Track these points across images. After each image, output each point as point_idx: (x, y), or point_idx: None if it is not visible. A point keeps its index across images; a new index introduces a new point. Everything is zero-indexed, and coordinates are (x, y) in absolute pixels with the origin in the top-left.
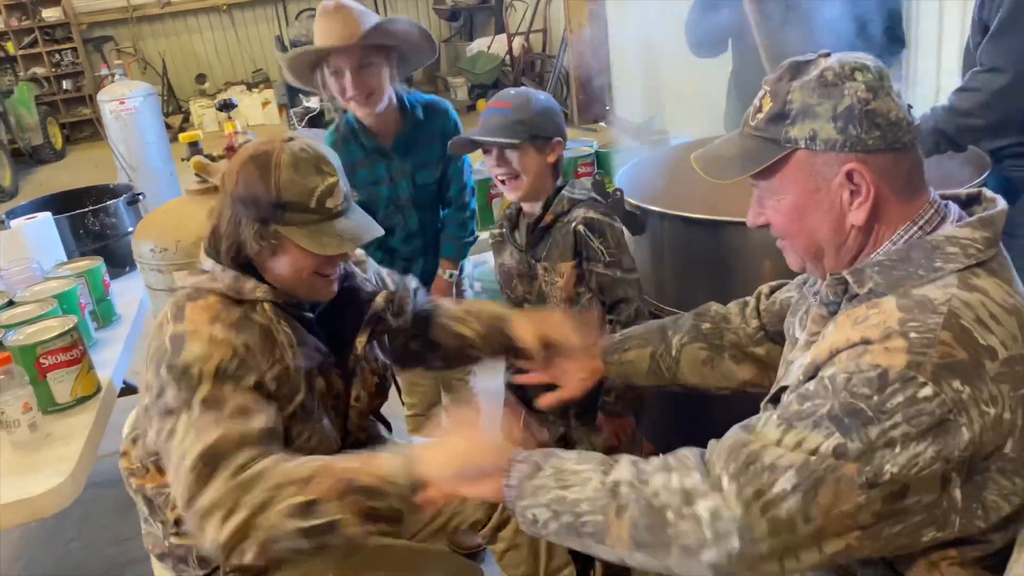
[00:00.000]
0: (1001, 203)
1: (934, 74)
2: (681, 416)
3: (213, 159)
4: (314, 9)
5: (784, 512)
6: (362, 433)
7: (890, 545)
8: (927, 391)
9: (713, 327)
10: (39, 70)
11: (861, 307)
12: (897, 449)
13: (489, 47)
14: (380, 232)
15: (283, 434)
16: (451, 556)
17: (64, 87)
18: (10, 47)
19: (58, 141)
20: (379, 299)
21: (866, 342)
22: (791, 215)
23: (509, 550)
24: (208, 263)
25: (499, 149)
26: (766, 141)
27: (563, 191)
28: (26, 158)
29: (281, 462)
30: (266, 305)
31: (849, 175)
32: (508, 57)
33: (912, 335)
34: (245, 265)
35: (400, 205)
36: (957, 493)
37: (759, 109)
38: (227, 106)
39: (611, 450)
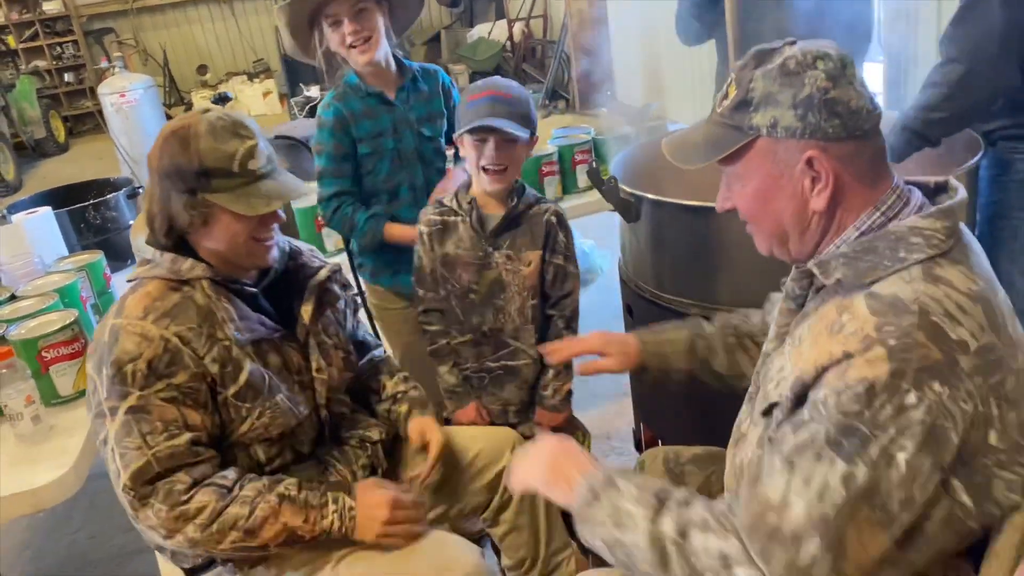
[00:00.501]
0: (962, 193)
1: None
2: (682, 403)
3: None
4: None
5: (817, 573)
6: (344, 407)
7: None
8: (912, 398)
9: (741, 319)
10: (40, 63)
11: (830, 307)
12: (901, 468)
13: (490, 33)
14: (306, 191)
15: (229, 417)
16: (452, 538)
17: (66, 80)
18: (11, 40)
19: (61, 134)
20: (323, 271)
21: (848, 356)
22: (755, 200)
23: (511, 532)
24: (149, 250)
25: (504, 140)
26: (730, 128)
27: (524, 186)
28: (29, 152)
29: (225, 498)
30: (204, 283)
31: (809, 162)
32: (509, 43)
33: (891, 341)
34: (182, 244)
35: (405, 158)
36: (964, 498)
37: (725, 96)
38: (222, 99)
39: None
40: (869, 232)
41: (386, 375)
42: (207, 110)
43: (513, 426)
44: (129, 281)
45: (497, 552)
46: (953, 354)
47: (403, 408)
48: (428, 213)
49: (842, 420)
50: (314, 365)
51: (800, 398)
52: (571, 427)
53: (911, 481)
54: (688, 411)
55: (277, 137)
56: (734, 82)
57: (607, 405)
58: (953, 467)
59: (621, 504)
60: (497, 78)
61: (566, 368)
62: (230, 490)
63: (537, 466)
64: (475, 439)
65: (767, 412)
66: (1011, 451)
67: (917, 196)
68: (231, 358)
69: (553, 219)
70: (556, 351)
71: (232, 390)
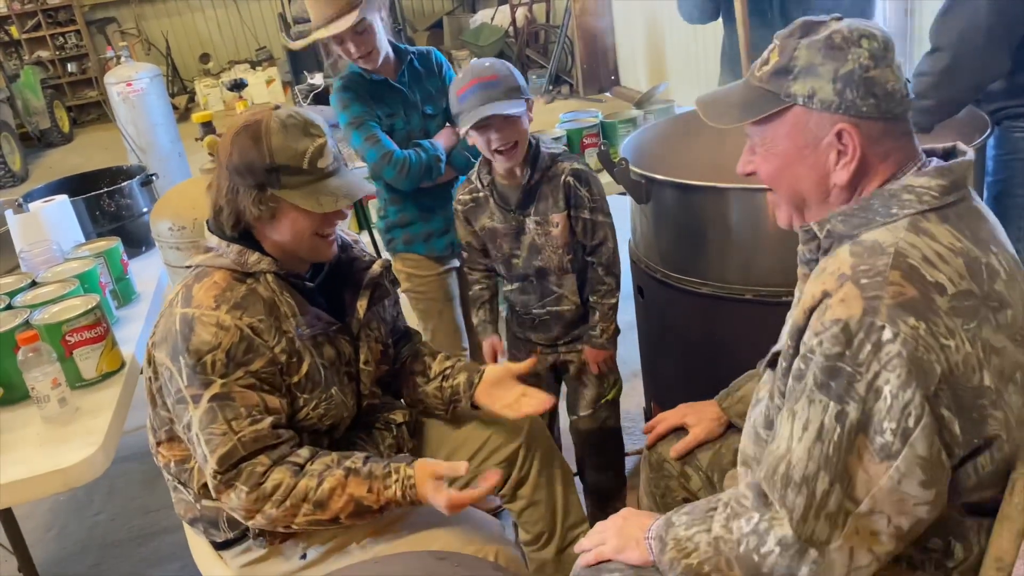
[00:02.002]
0: (967, 155)
1: None
2: (693, 382)
3: None
4: None
5: (833, 505)
6: (376, 399)
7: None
8: (887, 333)
9: None
10: (43, 53)
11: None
12: (887, 400)
13: (492, 19)
14: (371, 188)
15: (291, 407)
16: (475, 512)
17: (69, 70)
18: (14, 31)
19: (65, 124)
20: (376, 266)
21: (826, 295)
22: (778, 165)
23: (528, 507)
24: (213, 240)
25: (504, 120)
26: (767, 93)
27: (540, 148)
28: (34, 142)
29: (298, 475)
30: (269, 277)
31: (839, 135)
32: (511, 29)
33: (863, 280)
34: (247, 237)
35: (414, 137)
36: (955, 429)
37: (766, 61)
38: (238, 86)
39: (581, 374)
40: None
41: (429, 356)
42: (277, 107)
43: (559, 356)
44: (189, 267)
45: (514, 528)
46: (929, 293)
47: (461, 378)
48: (460, 192)
49: (826, 363)
50: (362, 358)
51: (798, 345)
52: (612, 370)
53: (900, 411)
54: (700, 390)
55: None
56: (777, 49)
57: None
58: (944, 399)
59: (680, 535)
60: (475, 62)
61: (611, 310)
62: (302, 467)
63: (606, 538)
64: (492, 416)
65: (772, 363)
66: (997, 392)
67: (934, 163)
68: (295, 349)
69: (571, 180)
70: (651, 430)
71: (295, 379)
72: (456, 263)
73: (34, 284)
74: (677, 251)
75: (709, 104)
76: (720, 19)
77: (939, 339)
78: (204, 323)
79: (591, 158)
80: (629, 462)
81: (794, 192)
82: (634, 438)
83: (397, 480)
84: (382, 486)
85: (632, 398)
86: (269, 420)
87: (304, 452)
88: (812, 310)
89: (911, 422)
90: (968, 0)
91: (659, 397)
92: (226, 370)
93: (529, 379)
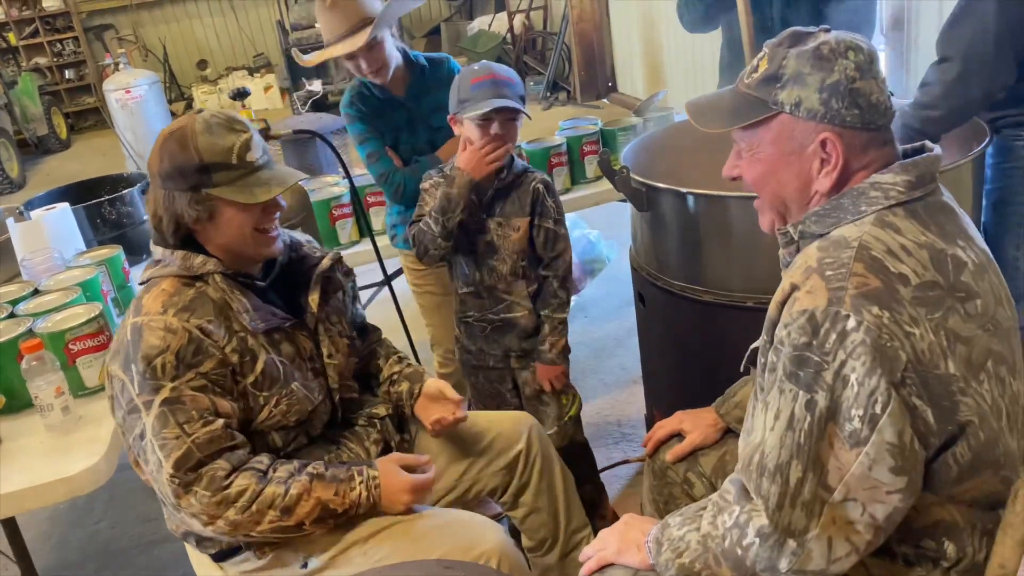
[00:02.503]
0: (934, 151)
1: None
2: (694, 389)
3: None
4: None
5: (808, 493)
6: (352, 392)
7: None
8: (851, 322)
9: None
10: (41, 60)
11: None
12: (854, 388)
13: (490, 25)
14: (302, 176)
15: (248, 405)
16: (476, 517)
17: (67, 76)
18: (11, 38)
19: (63, 131)
20: (325, 260)
21: (794, 288)
22: (763, 171)
23: (531, 514)
24: (158, 251)
25: (508, 119)
26: (755, 99)
27: (514, 156)
28: (32, 149)
29: (263, 481)
30: (217, 277)
31: (823, 143)
32: (509, 35)
33: (827, 272)
34: (190, 243)
35: (419, 151)
36: (929, 417)
37: (755, 69)
38: (240, 94)
39: (539, 393)
40: None
41: (382, 358)
42: (200, 111)
43: (514, 370)
44: (142, 283)
45: (515, 535)
46: (892, 283)
47: (403, 387)
48: (431, 175)
49: (794, 353)
50: (325, 352)
51: (772, 338)
52: (565, 387)
53: (867, 398)
54: (701, 397)
55: (296, 132)
56: (766, 57)
57: (616, 392)
58: (913, 387)
59: (673, 535)
60: (490, 63)
61: (561, 324)
62: (265, 473)
63: (608, 543)
64: (493, 421)
65: (753, 360)
66: (964, 380)
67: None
68: (248, 348)
69: (540, 187)
70: (648, 440)
71: (250, 379)
72: None
73: (36, 292)
74: (678, 258)
75: (699, 109)
76: (719, 28)
77: (903, 327)
78: (152, 328)
79: (591, 165)
80: (630, 469)
81: (777, 197)
82: (634, 445)
83: (362, 481)
84: (347, 488)
85: (633, 405)
86: (221, 422)
87: (264, 459)
88: (783, 303)
89: (878, 408)
90: (976, 10)
91: (660, 404)
92: (176, 372)
93: (490, 403)
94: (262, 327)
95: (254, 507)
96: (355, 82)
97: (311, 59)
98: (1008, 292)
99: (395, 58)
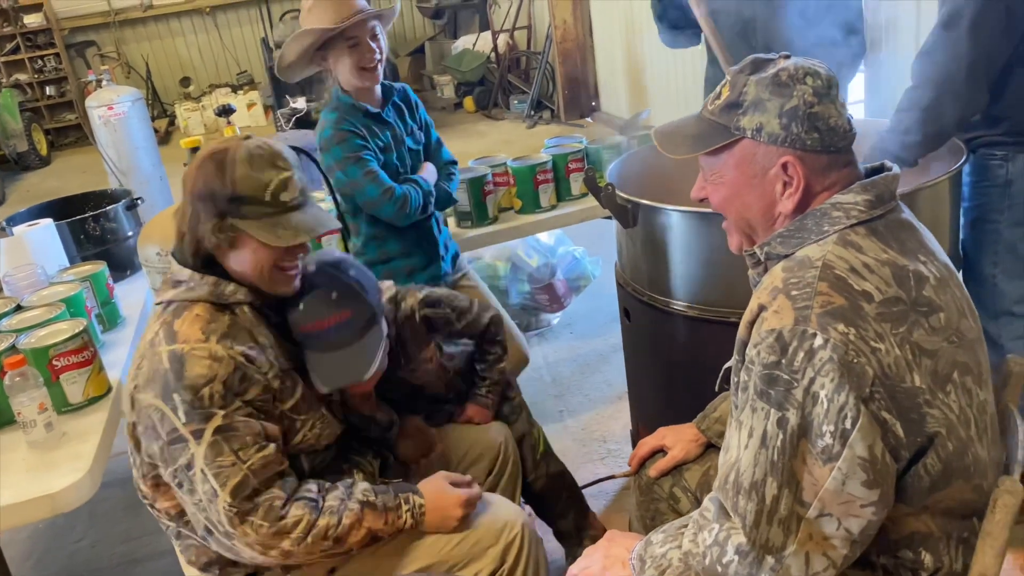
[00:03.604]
0: (892, 170)
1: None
2: (679, 404)
3: None
4: (297, 10)
5: (784, 510)
6: (378, 413)
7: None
8: (819, 340)
9: None
10: (22, 76)
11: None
12: (824, 404)
13: (474, 45)
14: (336, 225)
15: (284, 429)
16: (501, 499)
17: (48, 93)
18: None
19: (43, 147)
20: None
21: (762, 308)
22: (727, 194)
23: None
24: (184, 273)
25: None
26: (718, 126)
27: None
28: (12, 165)
29: (316, 511)
30: (246, 308)
31: (784, 167)
32: (493, 54)
33: (793, 292)
34: (211, 265)
35: (402, 174)
36: (898, 430)
37: (718, 96)
38: (225, 111)
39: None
40: None
41: None
42: (247, 136)
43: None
44: (160, 304)
45: None
46: (857, 300)
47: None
48: None
49: (764, 372)
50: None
51: (743, 358)
52: (532, 424)
53: (837, 414)
54: (686, 412)
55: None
56: (728, 84)
57: (601, 408)
58: (881, 401)
59: (656, 552)
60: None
61: (499, 380)
62: (317, 502)
63: (592, 559)
64: (468, 430)
65: (726, 379)
66: (931, 392)
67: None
68: (287, 373)
69: (426, 312)
70: (633, 458)
71: (289, 404)
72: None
73: (19, 308)
74: (663, 274)
75: (665, 136)
76: (703, 46)
77: (869, 343)
78: (196, 357)
79: (576, 182)
80: (616, 484)
81: (743, 219)
82: (619, 461)
83: (408, 509)
84: (395, 516)
85: (618, 420)
86: (272, 446)
87: (312, 486)
88: (751, 324)
89: (848, 423)
90: (949, 38)
91: (645, 419)
92: (224, 401)
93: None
94: (288, 367)
95: (309, 538)
96: (337, 101)
97: (305, 33)
98: (971, 303)
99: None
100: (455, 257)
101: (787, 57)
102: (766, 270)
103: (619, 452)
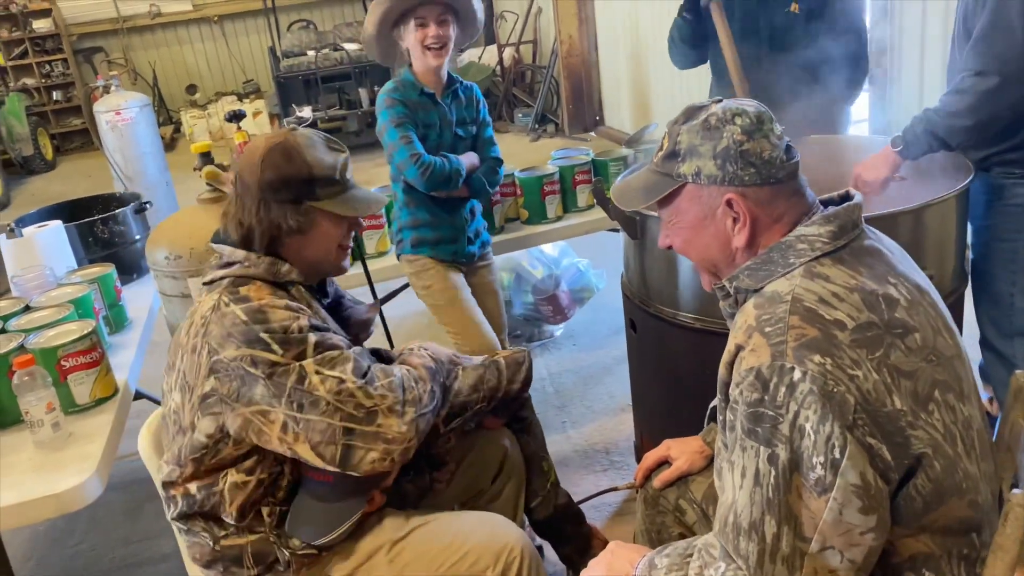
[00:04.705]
0: (855, 199)
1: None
2: (683, 416)
3: (224, 168)
4: (305, 20)
5: (786, 547)
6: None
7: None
8: (797, 374)
9: None
10: (29, 81)
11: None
12: (811, 437)
13: (480, 58)
14: (385, 199)
15: None
16: (497, 517)
17: (54, 98)
18: (0, 58)
19: (48, 151)
20: (373, 309)
21: (739, 348)
22: (686, 237)
23: None
24: (239, 254)
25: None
26: (663, 176)
27: None
28: (17, 169)
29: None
30: (301, 288)
31: (729, 203)
32: (499, 68)
33: (767, 328)
34: (271, 253)
35: (443, 150)
36: (885, 454)
37: (660, 148)
38: (236, 116)
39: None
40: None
41: None
42: (293, 128)
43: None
44: (209, 282)
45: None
46: (830, 330)
47: None
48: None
49: (748, 410)
50: None
51: (727, 397)
52: (544, 457)
53: (824, 444)
54: (690, 424)
55: None
56: (667, 135)
57: (605, 420)
58: (865, 427)
59: None
60: None
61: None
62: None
63: (599, 567)
64: (474, 433)
65: (712, 418)
66: (912, 413)
67: (821, 210)
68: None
69: None
70: (637, 471)
71: None
72: (462, 270)
73: (28, 309)
74: (669, 286)
75: (620, 191)
76: (708, 64)
77: (846, 371)
78: (274, 308)
79: (583, 194)
80: (618, 496)
81: (704, 259)
82: (622, 472)
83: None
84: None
85: (621, 432)
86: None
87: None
88: (731, 364)
89: (837, 453)
90: (1002, 25)
91: (649, 431)
92: (312, 332)
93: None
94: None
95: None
96: (401, 76)
97: (377, 8)
98: (948, 321)
99: (449, 57)
100: (483, 245)
101: (719, 101)
102: (736, 302)
103: (622, 464)
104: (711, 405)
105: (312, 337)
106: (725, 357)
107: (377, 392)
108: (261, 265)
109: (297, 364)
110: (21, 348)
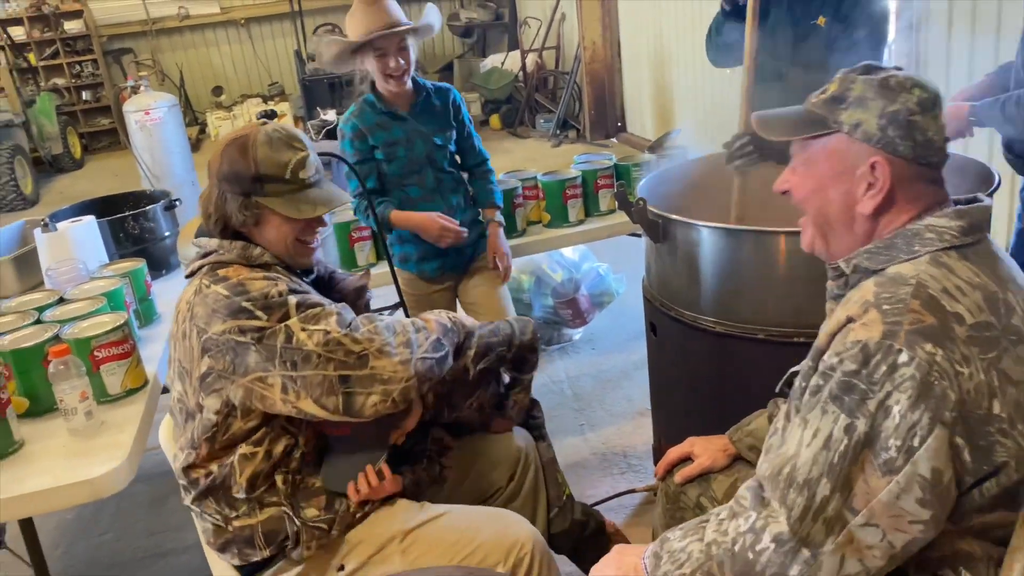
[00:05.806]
0: (985, 202)
1: None
2: (703, 420)
3: None
4: (331, 24)
5: (832, 511)
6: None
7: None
8: (904, 357)
9: None
10: (59, 81)
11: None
12: (896, 419)
13: (503, 63)
14: (348, 199)
15: None
16: (509, 513)
17: (84, 98)
18: (32, 58)
19: (77, 150)
20: (362, 278)
21: (849, 320)
22: (812, 187)
23: None
24: (213, 242)
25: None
26: (818, 117)
27: None
28: (46, 167)
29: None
30: (278, 267)
31: (873, 166)
32: (521, 73)
33: (885, 306)
34: (239, 238)
35: (416, 163)
36: (966, 456)
37: (824, 91)
38: (268, 115)
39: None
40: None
41: None
42: (264, 123)
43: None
44: (192, 273)
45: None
46: (948, 321)
47: None
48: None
49: (842, 379)
50: None
51: (818, 364)
52: (557, 470)
53: (907, 430)
54: (709, 427)
55: (319, 154)
56: (837, 81)
57: (623, 423)
58: (957, 426)
59: (674, 547)
60: None
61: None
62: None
63: (604, 570)
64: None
65: (789, 383)
66: (1010, 421)
67: (952, 206)
68: None
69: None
70: (659, 466)
71: None
72: (450, 283)
73: (62, 301)
74: (691, 289)
75: (764, 120)
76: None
77: (954, 366)
78: (252, 280)
79: (605, 198)
80: (636, 498)
81: (821, 215)
82: (640, 475)
83: None
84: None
85: (639, 435)
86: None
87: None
88: (834, 334)
89: (916, 442)
90: None
91: (669, 434)
92: (292, 294)
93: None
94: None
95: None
96: (360, 100)
97: (340, 41)
98: None
99: (410, 75)
100: (476, 243)
101: (900, 69)
102: (847, 283)
103: (640, 467)
104: (792, 370)
105: (292, 299)
106: (831, 327)
107: (363, 336)
108: (234, 250)
109: (282, 325)
110: (56, 338)
